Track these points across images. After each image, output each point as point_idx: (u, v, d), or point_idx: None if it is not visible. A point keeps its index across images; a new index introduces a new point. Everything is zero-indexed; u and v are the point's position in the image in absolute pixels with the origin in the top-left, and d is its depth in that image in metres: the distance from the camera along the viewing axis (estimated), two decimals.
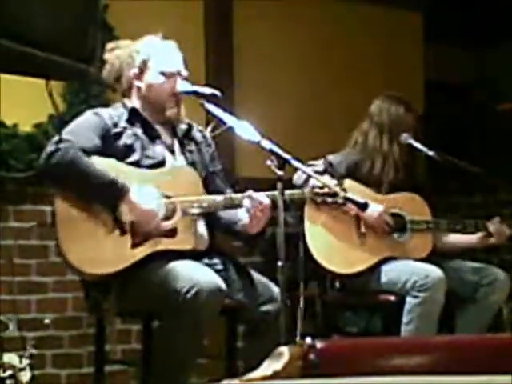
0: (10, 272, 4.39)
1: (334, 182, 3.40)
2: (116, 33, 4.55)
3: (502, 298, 3.98)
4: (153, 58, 3.34)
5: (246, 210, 3.23)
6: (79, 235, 3.10)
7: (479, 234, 4.06)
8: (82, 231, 3.10)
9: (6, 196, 4.44)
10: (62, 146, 3.09)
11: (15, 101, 4.17)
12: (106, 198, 3.11)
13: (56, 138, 3.15)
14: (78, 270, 3.12)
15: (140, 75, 3.34)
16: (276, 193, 2.92)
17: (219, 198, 3.27)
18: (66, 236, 3.09)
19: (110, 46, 3.40)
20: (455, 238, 4.13)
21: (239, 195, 3.26)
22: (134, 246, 3.13)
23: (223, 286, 3.06)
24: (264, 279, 3.32)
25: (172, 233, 3.18)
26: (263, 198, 3.20)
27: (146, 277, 3.11)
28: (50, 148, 3.11)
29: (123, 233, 3.13)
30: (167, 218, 3.19)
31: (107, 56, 3.36)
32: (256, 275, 3.34)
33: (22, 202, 4.48)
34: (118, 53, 3.37)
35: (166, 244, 3.17)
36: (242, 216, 3.32)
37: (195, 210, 3.22)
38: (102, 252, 3.10)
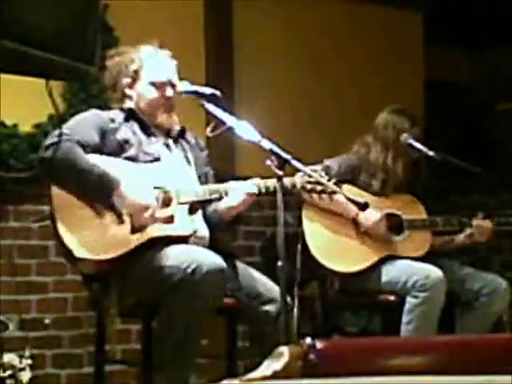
0: (10, 272, 4.39)
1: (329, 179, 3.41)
2: (116, 33, 4.56)
3: (502, 309, 3.97)
4: (144, 68, 3.38)
5: (232, 199, 3.28)
6: (77, 223, 3.12)
7: (465, 232, 4.06)
8: (80, 219, 3.13)
9: (6, 196, 4.44)
10: (56, 139, 3.14)
11: (15, 101, 4.17)
12: (97, 191, 3.14)
13: (54, 132, 3.23)
14: (78, 258, 3.12)
15: (132, 84, 3.40)
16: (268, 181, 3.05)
17: (213, 186, 3.31)
18: (64, 225, 3.11)
19: (110, 52, 3.46)
20: (443, 238, 4.13)
21: (226, 184, 3.29)
22: (134, 231, 3.15)
23: (224, 265, 3.08)
24: (265, 279, 3.33)
25: (169, 220, 3.21)
26: (248, 187, 3.26)
27: (145, 262, 3.13)
28: (47, 141, 3.17)
29: (121, 220, 3.15)
30: (164, 206, 3.22)
31: (107, 62, 3.42)
32: (257, 274, 3.35)
33: (22, 201, 4.48)
34: (117, 60, 3.42)
35: (164, 230, 3.19)
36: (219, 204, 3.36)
37: (190, 198, 3.25)
38: (101, 239, 3.12)
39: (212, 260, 3.06)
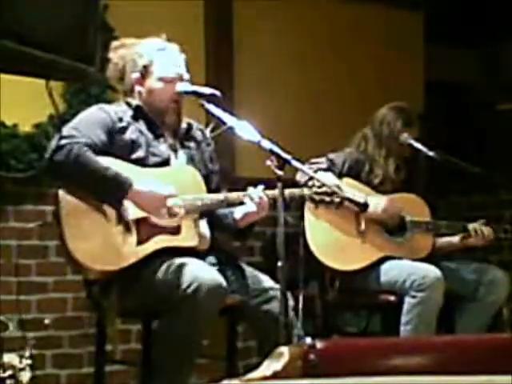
0: (10, 272, 4.39)
1: (336, 181, 3.41)
2: (116, 33, 4.56)
3: (502, 297, 3.99)
4: (154, 63, 3.33)
5: (250, 206, 3.26)
6: (85, 232, 3.09)
7: (460, 235, 4.07)
8: (88, 228, 3.10)
9: (5, 196, 4.44)
10: (66, 141, 3.09)
11: (15, 101, 4.17)
12: (110, 192, 3.11)
13: (60, 133, 3.16)
14: (83, 267, 3.11)
15: (141, 80, 3.34)
16: (276, 191, 2.94)
17: (220, 196, 3.29)
18: (71, 233, 3.08)
19: (114, 44, 3.40)
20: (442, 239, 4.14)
21: (238, 193, 3.27)
22: (140, 243, 3.14)
23: (224, 283, 3.07)
24: (266, 278, 3.30)
25: (176, 230, 3.19)
26: (262, 194, 3.24)
27: (148, 274, 3.12)
28: (54, 144, 3.10)
29: (128, 229, 3.13)
30: (171, 216, 3.20)
31: (111, 55, 3.37)
32: (258, 273, 3.34)
33: (22, 202, 4.49)
34: (122, 53, 3.37)
35: (170, 241, 3.18)
36: (235, 211, 3.35)
37: (198, 208, 3.23)
38: (107, 249, 3.10)
39: (212, 277, 3.03)
